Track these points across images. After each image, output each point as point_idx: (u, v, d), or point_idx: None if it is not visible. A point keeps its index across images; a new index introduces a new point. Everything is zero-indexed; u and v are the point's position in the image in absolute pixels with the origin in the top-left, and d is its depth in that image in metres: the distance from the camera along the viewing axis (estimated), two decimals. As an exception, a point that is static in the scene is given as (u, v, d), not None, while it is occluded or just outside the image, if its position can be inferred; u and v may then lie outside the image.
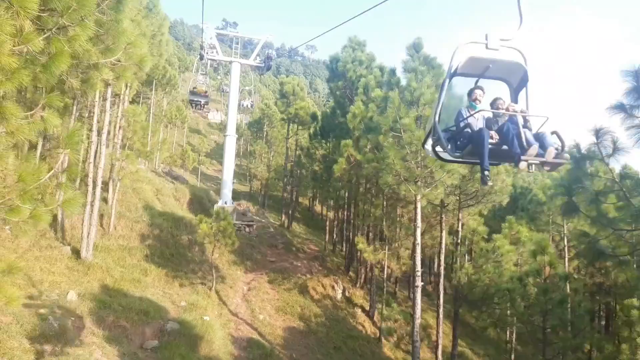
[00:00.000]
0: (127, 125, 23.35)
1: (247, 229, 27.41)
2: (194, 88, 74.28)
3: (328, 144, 30.65)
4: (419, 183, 15.67)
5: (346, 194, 27.50)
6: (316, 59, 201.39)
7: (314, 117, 33.62)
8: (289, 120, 35.44)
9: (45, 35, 6.79)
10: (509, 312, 19.30)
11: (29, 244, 18.21)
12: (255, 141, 60.50)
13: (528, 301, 15.83)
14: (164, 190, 28.97)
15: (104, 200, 23.66)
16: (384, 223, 21.36)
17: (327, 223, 30.04)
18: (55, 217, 20.22)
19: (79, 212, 19.83)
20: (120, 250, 20.95)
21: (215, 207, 28.11)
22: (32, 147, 18.26)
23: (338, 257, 30.13)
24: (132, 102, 52.69)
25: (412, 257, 17.65)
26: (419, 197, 15.77)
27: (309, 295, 23.25)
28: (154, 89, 55.60)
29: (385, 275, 22.51)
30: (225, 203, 28.44)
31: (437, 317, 19.85)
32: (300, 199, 50.44)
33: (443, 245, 20.68)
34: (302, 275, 24.74)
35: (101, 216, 22.38)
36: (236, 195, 36.80)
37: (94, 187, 18.88)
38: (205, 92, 73.84)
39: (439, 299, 20.56)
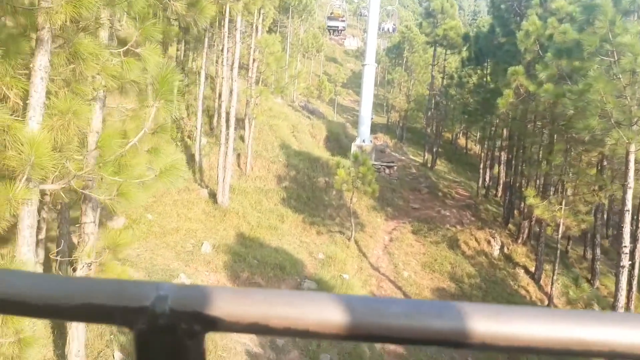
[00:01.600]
0: (261, 58, 21.54)
1: (387, 171, 24.78)
2: (331, 13, 71.14)
3: (484, 71, 25.73)
4: (634, 127, 11.13)
5: (507, 133, 22.89)
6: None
7: (466, 38, 28.46)
8: (435, 44, 30.69)
9: None
10: None
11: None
12: (394, 68, 56.04)
13: None
14: (300, 126, 27.39)
15: (241, 138, 22.78)
16: (567, 173, 16.85)
17: (481, 165, 25.84)
18: (192, 156, 19.73)
19: (214, 154, 18.99)
20: (257, 192, 19.96)
21: (353, 146, 25.81)
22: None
23: (493, 205, 26.14)
24: (269, 31, 51.84)
25: (620, 226, 13.32)
26: (632, 147, 11.28)
27: (460, 250, 20.20)
28: (290, 17, 53.91)
29: (559, 234, 18.30)
30: (364, 141, 25.92)
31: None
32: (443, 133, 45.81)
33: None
34: (451, 226, 21.62)
35: (238, 156, 21.53)
36: (373, 128, 33.95)
37: (227, 128, 17.60)
38: (342, 16, 70.34)
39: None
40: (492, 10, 23.50)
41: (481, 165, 29.63)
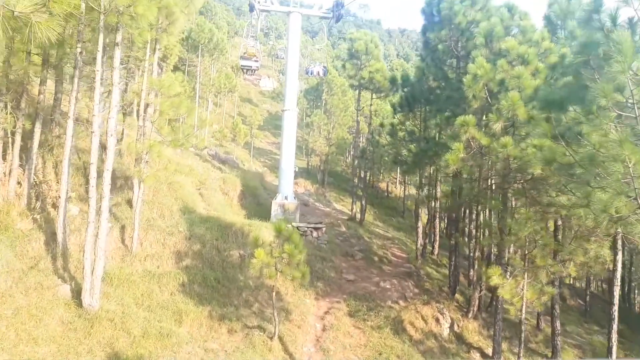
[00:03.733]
0: (158, 102, 17.00)
1: (314, 233, 20.89)
2: (244, 52, 68.16)
3: (417, 118, 23.13)
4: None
5: (450, 189, 20.09)
6: (369, 19, 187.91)
7: (393, 82, 26.01)
8: (359, 87, 28.00)
9: None
10: None
11: (10, 283, 12.49)
12: (313, 111, 53.50)
13: None
14: (209, 181, 22.82)
15: (129, 203, 17.78)
16: (531, 242, 13.91)
17: (419, 225, 22.71)
18: (54, 235, 14.44)
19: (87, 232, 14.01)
20: (147, 279, 14.99)
21: (274, 204, 21.67)
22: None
23: (433, 267, 23.08)
24: (174, 70, 47.05)
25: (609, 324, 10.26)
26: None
27: (407, 334, 16.54)
28: (200, 55, 49.77)
29: (522, 313, 15.27)
30: (286, 198, 21.92)
31: None
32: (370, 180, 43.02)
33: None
34: (393, 302, 18.02)
35: (122, 229, 16.49)
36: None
37: (99, 195, 12.73)
38: (256, 55, 67.53)
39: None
40: (425, 53, 21.07)
41: (419, 224, 26.85)
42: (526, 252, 14.84)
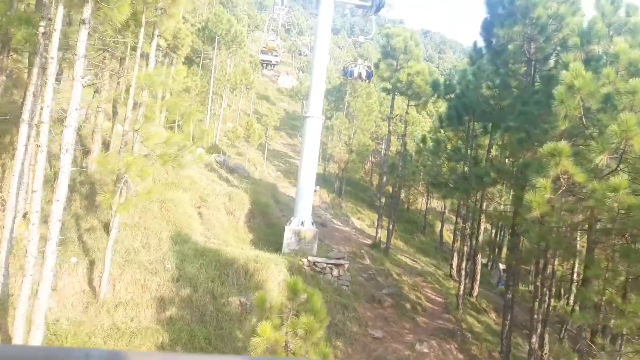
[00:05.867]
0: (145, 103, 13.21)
1: (334, 272, 16.94)
2: (265, 47, 64.99)
3: (457, 133, 19.05)
4: None
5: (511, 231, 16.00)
6: (392, 19, 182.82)
7: (435, 86, 21.88)
8: (393, 91, 23.95)
9: None
10: None
11: None
12: (333, 114, 49.53)
13: None
14: (212, 198, 18.99)
15: (106, 228, 14.03)
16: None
17: (454, 248, 18.60)
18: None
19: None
20: (114, 339, 11.22)
21: (287, 231, 17.75)
22: None
23: (473, 314, 18.96)
24: (188, 63, 43.41)
25: None
26: None
27: None
28: (216, 47, 46.23)
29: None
30: (302, 224, 17.99)
31: None
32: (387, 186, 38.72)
33: None
34: (434, 374, 13.99)
35: (90, 265, 12.75)
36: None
37: (51, 237, 8.95)
38: (276, 50, 64.13)
39: None
40: (485, 53, 16.90)
41: (454, 248, 22.87)
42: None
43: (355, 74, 25.17)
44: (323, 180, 45.09)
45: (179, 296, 13.15)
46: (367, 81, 25.87)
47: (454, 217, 44.49)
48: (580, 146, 11.99)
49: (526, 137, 13.51)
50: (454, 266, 23.90)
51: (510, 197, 16.17)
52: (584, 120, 11.81)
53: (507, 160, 16.34)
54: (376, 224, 26.25)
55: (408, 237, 36.46)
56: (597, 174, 11.02)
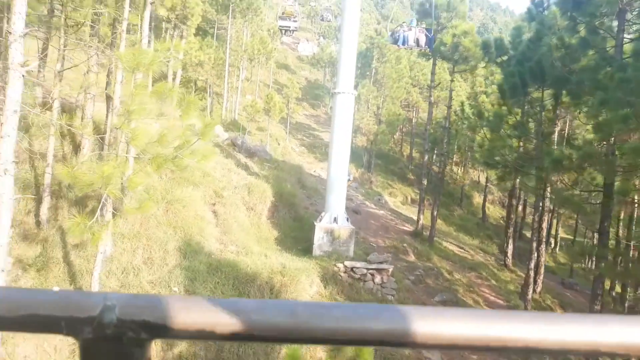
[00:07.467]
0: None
1: (376, 278, 14.16)
2: (283, 12, 61.24)
3: (518, 106, 15.60)
4: None
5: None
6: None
7: (486, 48, 18.28)
8: (434, 55, 20.41)
9: None
10: None
11: None
12: (359, 82, 45.78)
13: None
14: (227, 192, 16.26)
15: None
16: None
17: (509, 232, 15.47)
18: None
19: None
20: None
21: (317, 230, 14.93)
22: None
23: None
24: (201, 34, 40.19)
25: None
26: None
27: None
28: (230, 17, 42.87)
29: None
30: (335, 221, 15.14)
31: None
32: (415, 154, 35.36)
33: None
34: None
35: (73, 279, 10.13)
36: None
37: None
38: (295, 15, 60.24)
39: None
40: (559, 2, 13.34)
41: (509, 232, 19.80)
42: None
43: (411, 41, 17.88)
44: (351, 154, 42.12)
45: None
46: (429, 49, 18.13)
47: (493, 188, 41.23)
48: None
49: (631, 112, 10.15)
50: (509, 254, 20.89)
51: (595, 184, 12.85)
52: None
53: (596, 141, 13.01)
54: (415, 204, 23.21)
55: (446, 214, 33.45)
56: None
